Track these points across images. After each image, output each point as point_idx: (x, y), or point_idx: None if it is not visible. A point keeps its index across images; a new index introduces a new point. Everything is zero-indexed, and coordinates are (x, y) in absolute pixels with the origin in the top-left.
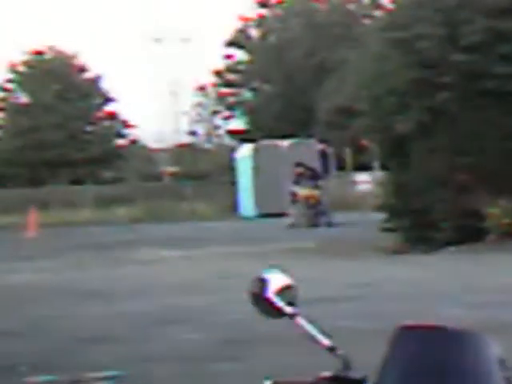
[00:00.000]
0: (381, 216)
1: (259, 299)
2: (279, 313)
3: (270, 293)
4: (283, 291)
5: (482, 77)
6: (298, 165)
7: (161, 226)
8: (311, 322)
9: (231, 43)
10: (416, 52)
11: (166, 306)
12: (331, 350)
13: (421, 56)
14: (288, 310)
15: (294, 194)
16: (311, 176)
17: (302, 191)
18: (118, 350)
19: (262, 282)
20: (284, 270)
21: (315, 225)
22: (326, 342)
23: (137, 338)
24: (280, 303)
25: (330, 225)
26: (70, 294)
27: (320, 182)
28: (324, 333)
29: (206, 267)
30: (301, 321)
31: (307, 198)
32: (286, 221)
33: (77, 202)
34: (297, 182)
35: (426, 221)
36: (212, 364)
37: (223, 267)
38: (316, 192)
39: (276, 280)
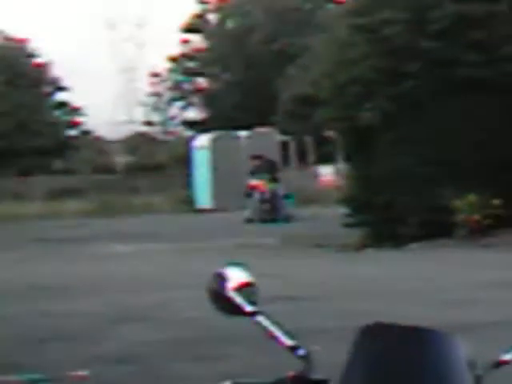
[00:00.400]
0: (344, 210)
1: (218, 296)
2: (239, 310)
3: (230, 289)
4: (243, 288)
5: (450, 65)
6: (255, 157)
7: (114, 219)
8: (272, 320)
9: (188, 28)
10: (381, 38)
11: (118, 303)
12: (293, 349)
13: (386, 43)
14: (248, 307)
15: (249, 187)
16: (268, 168)
17: (258, 183)
18: (69, 351)
19: (221, 279)
20: (244, 267)
21: (272, 219)
22: (288, 341)
23: (89, 337)
24: (240, 300)
25: (287, 219)
26: (18, 291)
27: (278, 175)
28: (286, 332)
29: (161, 263)
30: (262, 319)
31: (262, 191)
32: (243, 214)
33: (25, 195)
34: (253, 174)
35: (390, 215)
36: (169, 364)
37: (178, 263)
38: (272, 185)
39: (236, 276)
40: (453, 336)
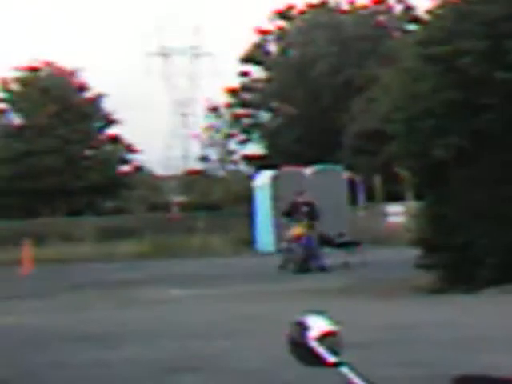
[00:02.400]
0: (415, 252)
1: (298, 346)
2: (320, 361)
3: (311, 339)
4: (325, 338)
5: None
6: (300, 194)
7: (170, 262)
8: (357, 371)
9: (247, 59)
10: (456, 69)
11: (176, 351)
12: None
13: (461, 74)
14: (331, 358)
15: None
16: (307, 213)
17: (296, 228)
18: None
19: (302, 327)
20: (325, 315)
21: (307, 269)
22: None
23: None
24: (322, 351)
25: (322, 269)
26: (67, 339)
27: (315, 222)
28: None
29: (220, 308)
30: (346, 370)
31: (300, 237)
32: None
33: (75, 236)
34: (288, 215)
35: (466, 257)
36: None
37: (239, 309)
38: (310, 232)
39: (317, 325)
40: None
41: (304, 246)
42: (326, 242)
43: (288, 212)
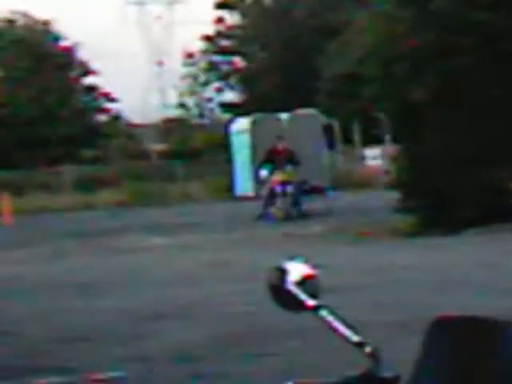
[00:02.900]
0: (394, 195)
1: (278, 291)
2: (301, 306)
3: (291, 284)
4: (304, 281)
5: (505, 38)
6: (280, 138)
7: (149, 210)
8: (337, 314)
9: (222, 5)
10: (431, 11)
11: (156, 299)
12: (360, 345)
13: (437, 16)
14: (311, 302)
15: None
16: (287, 159)
17: (277, 175)
18: (110, 350)
19: (282, 273)
20: (304, 259)
21: (290, 216)
22: (353, 337)
23: (127, 335)
24: (302, 295)
25: (303, 215)
26: (51, 288)
27: (296, 168)
28: (351, 327)
29: (200, 256)
30: (325, 314)
31: (283, 183)
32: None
33: (54, 186)
34: (268, 162)
35: (445, 199)
36: (217, 363)
37: (219, 256)
38: (292, 177)
39: (297, 270)
40: None
41: (290, 193)
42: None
43: (266, 160)
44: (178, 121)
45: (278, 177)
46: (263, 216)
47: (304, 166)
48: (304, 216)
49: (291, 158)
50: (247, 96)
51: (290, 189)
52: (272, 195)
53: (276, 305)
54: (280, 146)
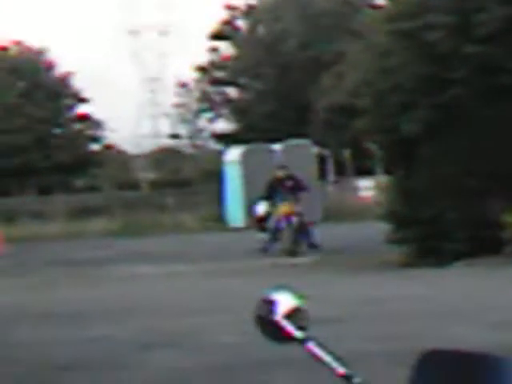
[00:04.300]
0: (386, 226)
1: (266, 322)
2: (288, 338)
3: (279, 316)
4: (293, 314)
5: (498, 71)
6: (281, 168)
7: (140, 239)
8: (324, 347)
9: (216, 35)
10: (424, 44)
11: (146, 329)
12: (347, 378)
13: (430, 49)
14: (298, 334)
15: (284, 215)
16: (292, 186)
17: (281, 207)
18: (98, 379)
19: (269, 304)
20: (292, 290)
21: (297, 251)
22: (341, 369)
23: (116, 364)
24: (289, 327)
25: (313, 246)
26: (40, 317)
27: (302, 195)
28: (339, 359)
29: (189, 285)
30: (313, 346)
31: (288, 216)
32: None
33: (46, 214)
34: (270, 193)
35: (436, 231)
36: None
37: (208, 285)
38: (297, 208)
39: (285, 301)
40: None
41: (295, 227)
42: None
43: (268, 194)
44: (170, 150)
45: (282, 210)
46: (267, 249)
47: None
48: (315, 247)
49: (297, 185)
50: (240, 126)
51: (295, 220)
52: (277, 230)
53: (264, 336)
54: (281, 175)
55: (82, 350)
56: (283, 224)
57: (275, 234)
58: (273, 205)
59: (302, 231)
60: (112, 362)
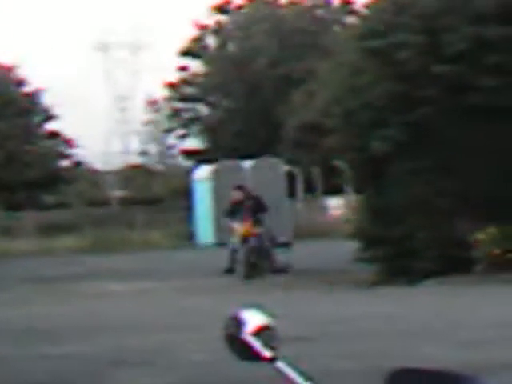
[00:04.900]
0: (355, 244)
1: (234, 341)
2: (257, 356)
3: (247, 334)
4: (261, 332)
5: (467, 90)
6: (239, 188)
7: (109, 256)
8: (293, 366)
9: (186, 53)
10: (394, 63)
11: (116, 346)
12: None
13: (399, 67)
14: (267, 353)
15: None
16: (253, 207)
17: (240, 227)
18: None
19: (238, 322)
20: (261, 308)
21: (258, 273)
22: None
23: (89, 382)
24: (258, 346)
25: (277, 271)
26: (9, 334)
27: (262, 216)
28: (308, 378)
29: (159, 303)
30: (281, 365)
31: (247, 237)
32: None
33: (15, 231)
34: (232, 213)
35: (406, 250)
36: None
37: (178, 303)
38: (258, 229)
39: (253, 320)
40: (486, 380)
41: (252, 248)
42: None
43: (231, 211)
44: (140, 167)
45: (240, 231)
46: (229, 271)
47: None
48: (279, 271)
49: (256, 206)
50: (209, 143)
51: (253, 242)
52: (234, 251)
53: (233, 354)
54: (239, 196)
55: (53, 367)
56: (239, 246)
57: (233, 255)
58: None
59: (261, 254)
60: (84, 380)
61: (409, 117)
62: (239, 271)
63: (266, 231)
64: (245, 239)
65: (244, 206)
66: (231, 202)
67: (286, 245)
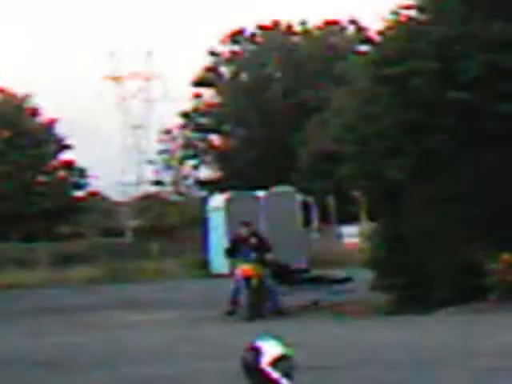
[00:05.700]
0: (371, 273)
1: (252, 370)
2: None
3: (265, 363)
4: (278, 361)
5: (481, 117)
6: (245, 224)
7: (124, 287)
8: None
9: (200, 82)
10: (408, 90)
11: (131, 376)
12: None
13: (413, 94)
14: (285, 382)
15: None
16: (257, 245)
17: (243, 266)
18: None
19: (256, 352)
20: (279, 338)
21: (259, 314)
22: None
23: None
24: (275, 375)
25: (279, 313)
26: (24, 365)
27: (266, 255)
28: None
29: (175, 333)
30: None
31: (249, 277)
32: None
33: (30, 261)
34: (233, 252)
35: (421, 278)
36: None
37: (194, 333)
38: (261, 270)
39: (270, 349)
40: None
41: (255, 289)
42: (284, 273)
43: (232, 248)
44: (154, 197)
45: (243, 269)
46: (231, 314)
47: (281, 245)
48: (280, 313)
49: (260, 245)
50: (223, 173)
51: (254, 283)
52: (236, 291)
53: (249, 383)
54: (245, 233)
55: None
56: (241, 285)
57: (234, 295)
58: (234, 262)
59: (263, 296)
60: None
61: (423, 144)
62: (241, 313)
63: (270, 270)
64: (247, 280)
65: (247, 243)
66: (233, 238)
67: (305, 271)
